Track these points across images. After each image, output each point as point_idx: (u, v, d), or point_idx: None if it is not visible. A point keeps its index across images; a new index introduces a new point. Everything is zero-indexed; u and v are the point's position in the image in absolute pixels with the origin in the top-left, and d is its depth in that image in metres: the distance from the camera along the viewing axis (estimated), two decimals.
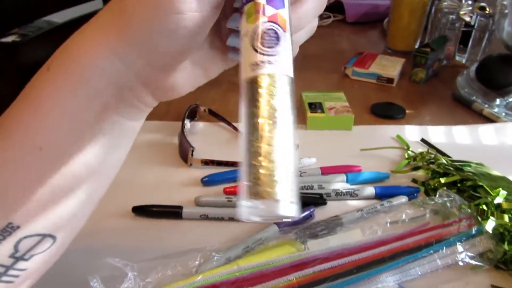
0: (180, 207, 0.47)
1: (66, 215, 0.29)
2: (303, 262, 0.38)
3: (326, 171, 0.54)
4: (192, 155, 0.55)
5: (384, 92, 0.79)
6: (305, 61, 0.92)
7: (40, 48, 0.88)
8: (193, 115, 0.66)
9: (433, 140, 0.63)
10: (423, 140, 0.62)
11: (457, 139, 0.64)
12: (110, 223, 0.47)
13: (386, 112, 0.70)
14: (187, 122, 0.63)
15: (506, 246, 0.41)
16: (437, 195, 0.46)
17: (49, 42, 0.90)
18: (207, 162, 0.55)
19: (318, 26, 0.32)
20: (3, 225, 0.27)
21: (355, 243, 0.41)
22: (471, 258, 0.40)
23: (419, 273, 0.39)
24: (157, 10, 0.24)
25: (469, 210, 0.44)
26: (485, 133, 0.65)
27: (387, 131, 0.65)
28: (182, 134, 0.58)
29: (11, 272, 0.29)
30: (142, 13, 0.25)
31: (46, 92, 0.27)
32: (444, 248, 0.40)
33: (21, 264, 0.29)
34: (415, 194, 0.51)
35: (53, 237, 0.29)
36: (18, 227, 0.28)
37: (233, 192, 0.50)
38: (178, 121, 0.66)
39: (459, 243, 0.40)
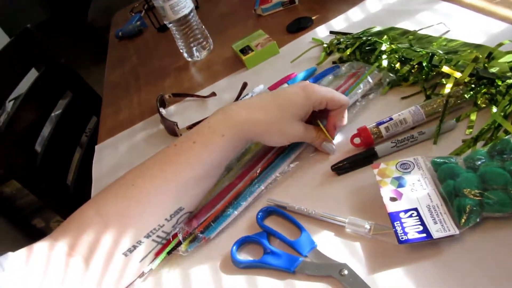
0: None
1: (198, 200, 0.52)
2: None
3: (273, 87, 0.71)
4: (178, 127, 0.71)
5: (292, 12, 0.95)
6: (223, 21, 1.07)
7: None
8: (163, 103, 0.82)
9: (338, 29, 0.80)
10: (331, 32, 0.79)
11: (354, 19, 0.81)
12: None
13: (298, 26, 0.86)
14: (161, 109, 0.79)
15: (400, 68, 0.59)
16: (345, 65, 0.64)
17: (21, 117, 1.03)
18: (191, 127, 0.72)
19: None
20: (176, 208, 0.49)
21: None
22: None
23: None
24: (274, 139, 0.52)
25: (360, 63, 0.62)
26: (372, 4, 0.82)
27: (305, 40, 0.82)
28: (162, 118, 0.75)
29: (167, 237, 0.50)
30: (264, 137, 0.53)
31: (194, 154, 0.50)
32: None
33: (172, 231, 0.50)
34: (338, 69, 0.68)
35: (191, 212, 0.52)
36: (183, 208, 0.49)
37: None
38: (154, 114, 0.82)
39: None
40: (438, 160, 0.45)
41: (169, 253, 0.50)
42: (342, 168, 0.51)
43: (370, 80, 0.60)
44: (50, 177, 1.04)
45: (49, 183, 1.03)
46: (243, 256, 0.48)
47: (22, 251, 0.44)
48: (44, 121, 1.12)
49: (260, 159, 0.57)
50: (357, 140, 0.53)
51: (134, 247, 0.47)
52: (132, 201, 0.48)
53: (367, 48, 0.65)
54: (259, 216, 0.50)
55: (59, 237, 0.46)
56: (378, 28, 0.72)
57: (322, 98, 0.51)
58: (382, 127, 0.52)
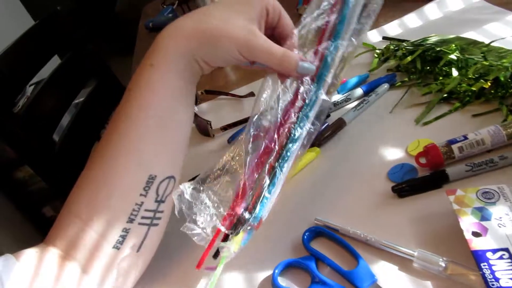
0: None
1: (178, 157, 0.44)
2: None
3: None
4: (211, 127, 0.65)
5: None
6: None
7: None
8: (195, 100, 0.76)
9: (392, 35, 0.73)
10: (384, 38, 0.73)
11: (411, 26, 0.74)
12: None
13: None
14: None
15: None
16: None
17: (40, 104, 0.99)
18: (225, 128, 0.65)
19: None
20: (146, 178, 0.41)
21: None
22: None
23: None
24: (224, 51, 0.41)
25: None
26: (430, 11, 0.75)
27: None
28: (195, 116, 0.68)
29: (157, 215, 0.42)
30: (215, 47, 0.41)
31: (155, 78, 0.41)
32: None
33: (161, 206, 0.42)
34: (394, 79, 0.61)
35: (174, 177, 0.43)
36: (155, 176, 0.41)
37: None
38: None
39: None
40: None
41: (215, 256, 0.41)
42: (405, 190, 0.44)
43: None
44: (65, 167, 0.99)
45: (63, 173, 0.98)
46: (286, 283, 0.41)
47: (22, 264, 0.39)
48: (65, 109, 1.08)
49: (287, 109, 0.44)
50: (423, 160, 0.46)
51: (123, 237, 0.40)
52: (93, 185, 0.41)
53: (433, 55, 0.59)
54: (305, 237, 0.44)
55: (49, 247, 0.41)
56: (438, 37, 0.65)
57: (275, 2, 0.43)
58: (455, 147, 0.45)
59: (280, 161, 0.42)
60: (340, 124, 0.56)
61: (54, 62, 1.11)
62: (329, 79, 0.45)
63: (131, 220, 0.41)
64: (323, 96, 0.44)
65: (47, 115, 1.02)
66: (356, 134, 0.56)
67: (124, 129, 0.41)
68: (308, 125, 0.44)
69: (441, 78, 0.56)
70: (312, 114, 0.44)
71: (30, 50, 1.02)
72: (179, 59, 0.41)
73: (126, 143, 0.41)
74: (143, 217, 0.41)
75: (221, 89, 0.78)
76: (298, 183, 0.51)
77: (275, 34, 0.46)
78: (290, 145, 0.43)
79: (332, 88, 0.46)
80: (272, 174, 0.42)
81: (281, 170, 0.42)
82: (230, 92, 0.75)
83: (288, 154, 0.43)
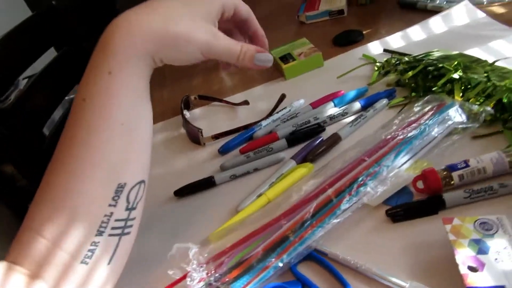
0: (212, 176, 0.55)
1: (146, 159, 0.41)
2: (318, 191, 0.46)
3: (316, 104, 0.62)
4: (202, 135, 0.63)
5: (340, 23, 0.86)
6: (262, 23, 0.98)
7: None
8: (187, 105, 0.74)
9: (394, 47, 0.71)
10: (385, 50, 0.71)
11: (414, 38, 0.72)
12: (158, 209, 0.55)
13: (347, 39, 0.77)
14: (185, 112, 0.71)
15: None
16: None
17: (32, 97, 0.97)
18: (217, 136, 0.63)
19: None
20: (115, 187, 0.38)
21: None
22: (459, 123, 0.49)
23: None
24: (187, 54, 0.40)
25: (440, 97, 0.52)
26: (435, 24, 0.73)
27: (354, 55, 0.73)
28: (186, 122, 0.66)
29: (129, 223, 0.39)
30: (178, 50, 0.39)
31: (114, 86, 0.38)
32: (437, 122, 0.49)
33: (132, 214, 0.40)
34: (393, 94, 0.59)
35: (144, 181, 0.40)
36: (125, 183, 0.39)
37: (248, 149, 0.58)
38: (176, 115, 0.74)
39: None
40: None
41: None
42: (399, 214, 0.42)
43: (462, 116, 0.49)
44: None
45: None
46: None
47: None
48: (56, 104, 1.06)
49: (313, 196, 0.46)
50: (420, 184, 0.44)
51: (91, 251, 0.38)
52: (56, 203, 0.38)
53: (434, 73, 0.56)
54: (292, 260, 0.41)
55: (14, 265, 0.37)
56: (441, 53, 0.63)
57: None
58: (455, 174, 0.42)
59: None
60: (335, 139, 0.54)
61: (50, 54, 1.09)
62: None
63: (100, 233, 0.38)
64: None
65: (38, 109, 1.00)
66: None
67: (86, 140, 0.38)
68: None
69: (443, 96, 0.54)
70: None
71: (23, 42, 1.00)
72: (138, 61, 0.39)
73: (89, 154, 0.38)
74: (113, 228, 0.39)
75: (215, 93, 0.76)
76: (287, 199, 0.49)
77: (246, 35, 0.50)
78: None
79: None
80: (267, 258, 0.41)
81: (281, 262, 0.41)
82: (224, 99, 0.73)
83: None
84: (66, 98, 1.22)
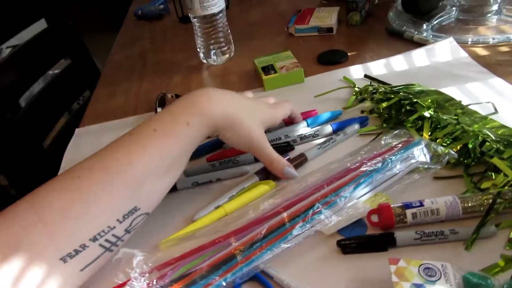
0: None
1: (160, 199, 0.45)
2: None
3: (289, 121, 0.62)
4: None
5: (327, 41, 0.87)
6: (251, 29, 0.98)
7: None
8: (162, 103, 0.73)
9: (375, 74, 0.72)
10: (366, 76, 0.71)
11: (395, 68, 0.73)
12: None
13: (331, 58, 0.78)
14: (159, 110, 0.69)
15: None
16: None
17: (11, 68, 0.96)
18: None
19: None
20: (131, 208, 0.41)
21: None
22: (422, 163, 0.49)
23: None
24: (238, 142, 0.50)
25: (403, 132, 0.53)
26: (418, 57, 0.74)
27: (335, 75, 0.73)
28: None
29: (118, 242, 0.41)
30: (235, 135, 0.49)
31: (186, 133, 0.45)
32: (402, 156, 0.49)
33: (125, 236, 0.42)
34: (366, 122, 0.59)
35: (148, 214, 0.43)
36: (138, 208, 0.41)
37: (215, 158, 0.57)
38: (150, 112, 0.73)
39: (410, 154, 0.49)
40: (472, 278, 0.36)
41: None
42: (350, 246, 0.42)
43: (426, 156, 0.50)
44: (27, 137, 0.96)
45: (24, 142, 0.95)
46: None
47: None
48: (37, 77, 1.06)
49: (268, 217, 0.45)
50: (374, 218, 0.44)
51: (76, 251, 0.38)
52: (76, 195, 0.39)
53: (407, 107, 0.57)
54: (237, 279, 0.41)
55: None
56: (420, 88, 0.64)
57: (285, 115, 0.58)
58: (409, 212, 0.43)
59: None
60: (301, 160, 0.54)
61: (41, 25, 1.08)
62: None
63: (94, 239, 0.39)
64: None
65: (18, 80, 0.99)
66: None
67: (128, 161, 0.42)
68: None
69: (412, 131, 0.54)
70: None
71: (9, 10, 0.99)
72: (208, 128, 0.47)
73: (133, 167, 0.42)
74: (106, 240, 0.40)
75: None
76: (244, 216, 0.48)
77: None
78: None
79: None
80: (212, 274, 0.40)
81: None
82: None
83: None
84: (50, 72, 1.20)
